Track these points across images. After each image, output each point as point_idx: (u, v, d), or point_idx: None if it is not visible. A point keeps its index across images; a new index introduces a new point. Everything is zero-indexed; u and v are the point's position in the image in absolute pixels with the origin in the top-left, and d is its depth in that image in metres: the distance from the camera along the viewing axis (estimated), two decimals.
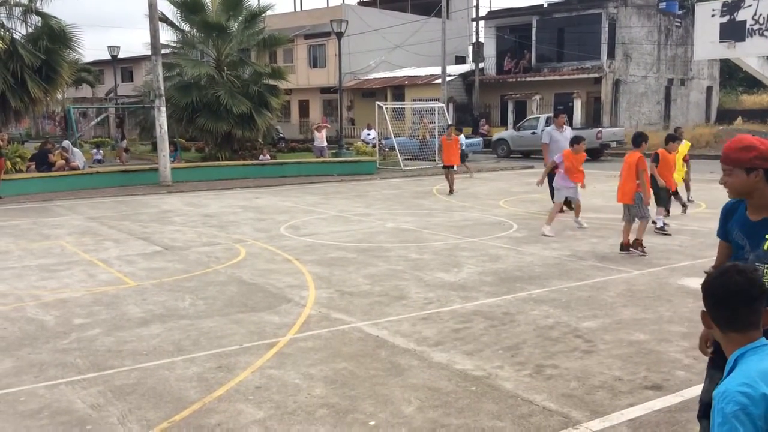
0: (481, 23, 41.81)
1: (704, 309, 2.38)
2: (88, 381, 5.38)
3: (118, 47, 38.83)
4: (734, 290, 2.30)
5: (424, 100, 34.71)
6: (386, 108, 27.39)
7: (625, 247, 9.94)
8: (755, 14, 17.55)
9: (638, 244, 9.90)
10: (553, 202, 12.32)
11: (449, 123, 22.81)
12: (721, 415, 2.14)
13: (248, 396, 5.03)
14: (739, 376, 2.19)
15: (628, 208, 10.17)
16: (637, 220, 10.12)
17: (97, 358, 5.88)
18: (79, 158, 22.36)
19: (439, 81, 34.96)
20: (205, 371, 5.53)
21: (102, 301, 7.74)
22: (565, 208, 12.93)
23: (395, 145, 26.53)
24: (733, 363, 2.28)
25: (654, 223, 11.39)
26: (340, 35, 27.10)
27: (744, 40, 17.73)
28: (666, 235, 11.29)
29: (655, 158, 11.87)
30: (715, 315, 2.36)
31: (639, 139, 10.33)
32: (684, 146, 14.98)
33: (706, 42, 18.55)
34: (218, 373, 5.49)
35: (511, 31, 39.43)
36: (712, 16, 18.30)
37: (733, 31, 17.88)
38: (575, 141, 11.75)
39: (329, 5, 48.74)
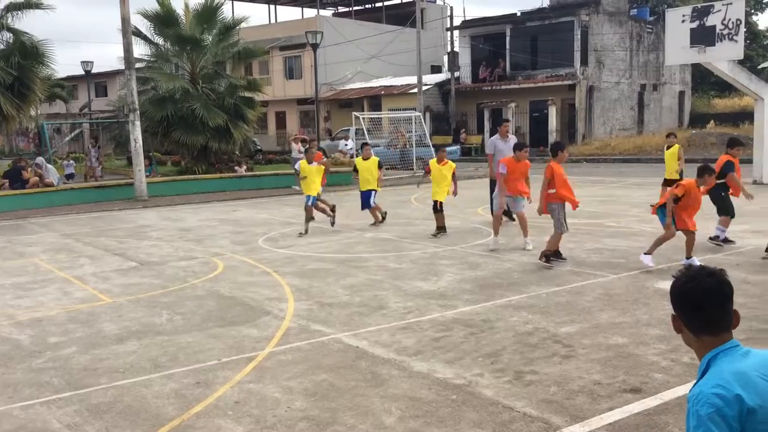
0: (456, 33, 42.06)
1: (674, 313, 2.37)
2: (64, 400, 5.30)
3: (92, 62, 38.58)
4: (707, 293, 2.29)
5: (400, 110, 34.80)
6: (363, 118, 27.44)
7: (556, 254, 9.77)
8: (724, 19, 17.80)
9: (543, 254, 9.58)
10: (492, 214, 11.65)
11: (304, 137, 19.32)
12: (696, 417, 2.14)
13: (227, 411, 4.98)
14: (713, 378, 2.19)
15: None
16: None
17: (72, 377, 5.79)
18: (53, 175, 22.13)
19: (415, 90, 35.10)
20: (182, 387, 5.46)
21: (77, 319, 7.63)
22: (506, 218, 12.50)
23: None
24: (706, 365, 2.29)
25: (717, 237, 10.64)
26: (315, 46, 27.13)
27: (714, 45, 17.97)
28: (719, 245, 10.44)
29: (732, 166, 10.63)
30: (688, 319, 2.35)
31: (556, 148, 10.10)
32: (673, 150, 15.49)
33: (677, 47, 18.77)
34: (196, 389, 5.43)
35: (486, 40, 39.69)
36: (683, 21, 18.53)
37: (704, 36, 18.11)
38: (518, 147, 11.19)
39: (304, 17, 48.82)
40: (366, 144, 15.66)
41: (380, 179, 14.24)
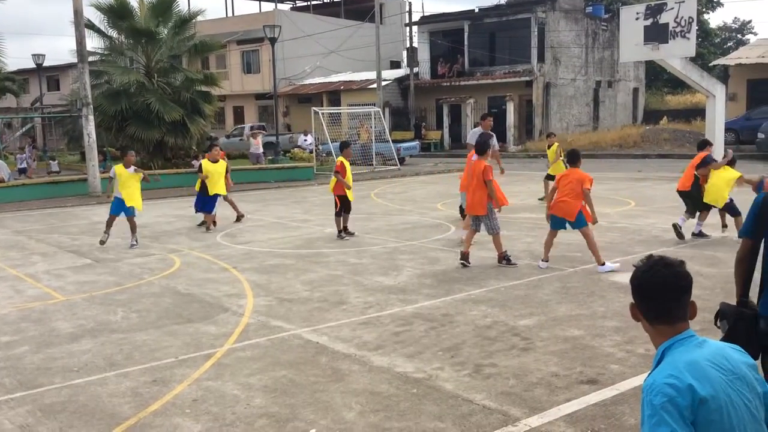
0: (415, 28, 42.14)
1: (632, 301, 2.42)
2: (17, 400, 5.17)
3: (44, 55, 37.65)
4: (662, 284, 2.33)
5: (360, 105, 34.76)
6: (322, 113, 27.33)
7: (465, 256, 9.38)
8: (677, 17, 18.18)
9: (501, 257, 9.38)
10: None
11: (212, 136, 16.63)
12: (650, 407, 2.19)
13: (185, 409, 4.91)
14: (667, 368, 2.24)
15: (478, 219, 9.46)
16: (486, 233, 9.51)
17: (25, 377, 5.65)
18: (4, 170, 21.56)
19: (374, 86, 35.08)
20: (139, 386, 5.37)
21: (30, 318, 7.46)
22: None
23: (332, 150, 26.47)
24: (661, 355, 2.33)
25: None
26: (273, 41, 26.89)
27: (667, 42, 18.33)
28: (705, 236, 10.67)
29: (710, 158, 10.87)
30: (644, 308, 2.40)
31: (484, 147, 9.62)
32: (553, 148, 16.10)
33: (632, 44, 19.10)
34: (153, 387, 5.34)
35: (444, 35, 39.84)
36: (636, 19, 18.86)
37: (657, 34, 18.47)
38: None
39: (262, 10, 48.34)
40: (214, 144, 14.56)
41: (228, 185, 13.68)
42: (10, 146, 36.60)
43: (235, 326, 6.88)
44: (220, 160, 13.64)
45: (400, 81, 40.86)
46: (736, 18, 75.81)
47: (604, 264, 8.86)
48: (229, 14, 49.47)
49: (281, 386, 5.27)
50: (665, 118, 38.01)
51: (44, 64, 38.96)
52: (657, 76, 47.38)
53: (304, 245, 11.41)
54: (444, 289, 8.13)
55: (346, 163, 12.06)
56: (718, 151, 19.83)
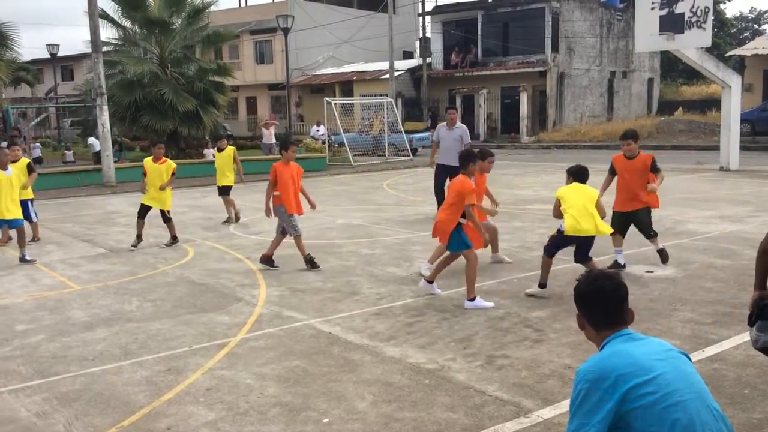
0: (428, 18, 41.99)
1: (578, 312, 2.79)
2: (32, 388, 5.23)
3: (58, 45, 37.86)
4: (606, 294, 2.74)
5: (372, 96, 34.69)
6: (335, 104, 27.32)
7: (266, 259, 9.06)
8: (693, 6, 17.98)
9: (307, 260, 8.99)
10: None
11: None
12: (576, 391, 2.61)
13: (199, 398, 4.95)
14: (593, 358, 2.67)
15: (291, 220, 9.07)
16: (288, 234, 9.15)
17: (41, 365, 5.71)
18: None
19: (387, 76, 34.99)
20: (153, 374, 5.42)
21: (45, 306, 7.52)
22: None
23: (345, 141, 26.48)
24: (600, 348, 2.75)
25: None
26: (286, 31, 26.91)
27: (683, 32, 18.14)
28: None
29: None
30: (590, 316, 2.78)
31: (281, 146, 9.11)
32: (227, 153, 13.36)
33: (647, 34, 18.91)
34: (167, 375, 5.39)
35: (457, 25, 39.67)
36: (652, 8, 18.67)
37: (672, 24, 18.27)
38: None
39: (275, 0, 48.30)
40: (14, 142, 12.25)
41: (30, 181, 10.72)
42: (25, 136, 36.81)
43: (249, 316, 6.92)
44: (22, 158, 10.95)
45: (412, 71, 40.74)
46: (752, 8, 75.14)
47: (472, 300, 7.03)
48: (242, 4, 49.48)
49: (294, 376, 5.29)
50: (680, 109, 37.72)
51: (58, 54, 39.20)
52: (672, 67, 46.97)
53: (317, 236, 11.44)
54: (456, 280, 8.12)
55: (147, 164, 11.00)
56: (732, 144, 19.70)
